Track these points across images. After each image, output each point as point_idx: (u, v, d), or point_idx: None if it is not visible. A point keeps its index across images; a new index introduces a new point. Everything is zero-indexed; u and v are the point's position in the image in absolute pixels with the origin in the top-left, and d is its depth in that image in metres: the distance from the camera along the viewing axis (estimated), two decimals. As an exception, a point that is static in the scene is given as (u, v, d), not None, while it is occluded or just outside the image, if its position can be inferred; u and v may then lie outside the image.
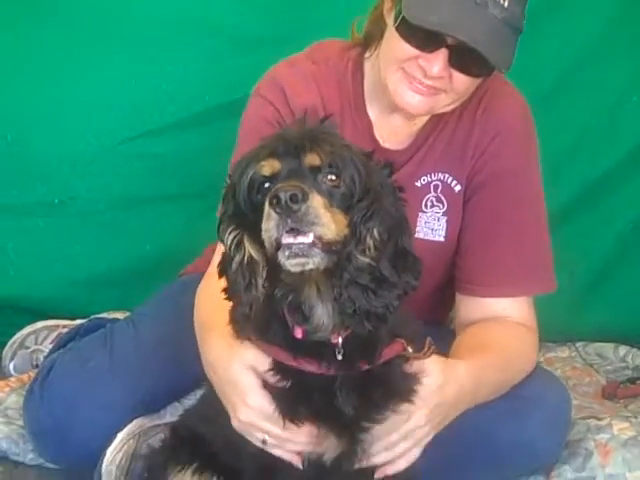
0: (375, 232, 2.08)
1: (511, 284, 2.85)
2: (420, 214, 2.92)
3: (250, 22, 3.83)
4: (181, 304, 2.83)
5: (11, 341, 3.68)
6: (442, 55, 2.59)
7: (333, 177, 2.06)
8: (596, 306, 4.12)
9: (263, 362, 2.25)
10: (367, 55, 2.91)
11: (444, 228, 2.93)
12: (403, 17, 2.59)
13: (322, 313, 2.12)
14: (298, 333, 2.15)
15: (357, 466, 2.27)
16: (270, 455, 2.28)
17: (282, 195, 1.94)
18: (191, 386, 3.03)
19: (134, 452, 2.91)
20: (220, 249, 2.77)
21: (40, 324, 3.71)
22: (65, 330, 3.57)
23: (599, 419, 3.15)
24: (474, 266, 2.89)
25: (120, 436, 2.90)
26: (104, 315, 3.59)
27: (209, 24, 3.83)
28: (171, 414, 3.03)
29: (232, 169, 2.19)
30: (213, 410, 2.49)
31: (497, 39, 2.58)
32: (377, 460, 2.30)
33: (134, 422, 2.95)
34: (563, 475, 2.95)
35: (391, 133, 2.90)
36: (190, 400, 3.06)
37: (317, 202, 1.98)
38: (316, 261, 2.00)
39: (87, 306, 3.79)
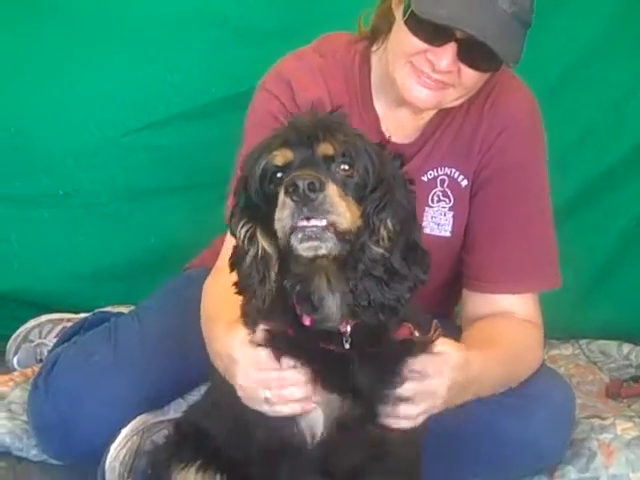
0: (389, 223, 2.08)
1: (518, 281, 2.85)
2: (426, 209, 2.91)
3: (257, 14, 3.81)
4: (186, 298, 2.83)
5: (15, 335, 3.67)
6: (451, 49, 2.58)
7: (346, 167, 2.06)
8: (600, 303, 4.11)
9: (262, 336, 2.24)
10: (374, 48, 2.90)
11: (450, 223, 2.92)
12: (412, 11, 2.58)
13: (331, 303, 2.12)
14: (306, 321, 2.15)
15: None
16: (279, 436, 2.26)
17: (300, 183, 1.93)
18: (196, 380, 3.03)
19: (138, 448, 2.91)
20: (228, 243, 2.77)
21: (44, 317, 3.70)
22: (69, 324, 3.57)
23: (603, 419, 3.15)
24: (481, 262, 2.88)
25: (124, 432, 2.90)
26: (109, 309, 3.59)
27: (215, 16, 3.81)
28: (175, 410, 3.03)
29: (244, 161, 2.17)
30: (219, 404, 2.50)
31: (506, 33, 2.56)
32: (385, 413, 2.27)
33: (138, 418, 2.95)
34: (567, 475, 2.95)
35: (398, 127, 2.88)
36: (194, 396, 3.05)
37: (333, 191, 1.98)
38: (329, 246, 1.99)
39: (91, 299, 3.78)
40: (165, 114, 3.86)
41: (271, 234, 2.06)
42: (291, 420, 2.25)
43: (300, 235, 1.97)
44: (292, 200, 1.95)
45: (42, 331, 3.65)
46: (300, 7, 3.79)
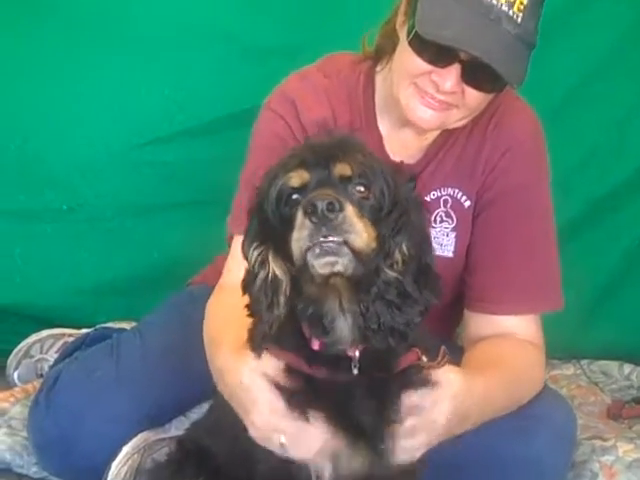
0: (404, 247, 2.08)
1: (521, 302, 2.84)
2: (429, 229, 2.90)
3: (262, 32, 3.84)
4: (188, 315, 2.84)
5: (16, 350, 3.67)
6: (455, 70, 2.58)
7: (362, 188, 2.05)
8: (601, 323, 4.11)
9: (274, 366, 2.23)
10: (378, 69, 2.90)
11: (453, 243, 2.91)
12: (416, 32, 2.58)
13: (343, 325, 2.11)
14: (315, 345, 2.14)
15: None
16: (285, 468, 2.25)
17: (319, 204, 1.92)
18: (198, 397, 3.02)
19: (139, 466, 2.90)
20: (231, 261, 2.79)
21: (45, 332, 3.70)
22: (71, 339, 3.57)
23: (604, 440, 3.15)
24: (484, 283, 2.87)
25: (125, 450, 2.89)
26: (110, 324, 3.59)
27: (220, 33, 3.85)
28: (176, 428, 3.03)
29: (259, 182, 2.16)
30: (221, 422, 2.48)
31: (511, 55, 2.57)
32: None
33: (139, 436, 2.94)
34: (568, 497, 2.96)
35: (401, 147, 2.89)
36: (196, 414, 3.04)
37: (351, 211, 1.97)
38: (345, 262, 1.97)
39: (93, 315, 3.79)
40: (169, 131, 3.89)
41: (284, 257, 2.06)
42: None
43: (317, 250, 1.96)
44: (311, 221, 1.94)
45: (43, 346, 3.65)
46: (305, 26, 3.82)
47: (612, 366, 3.98)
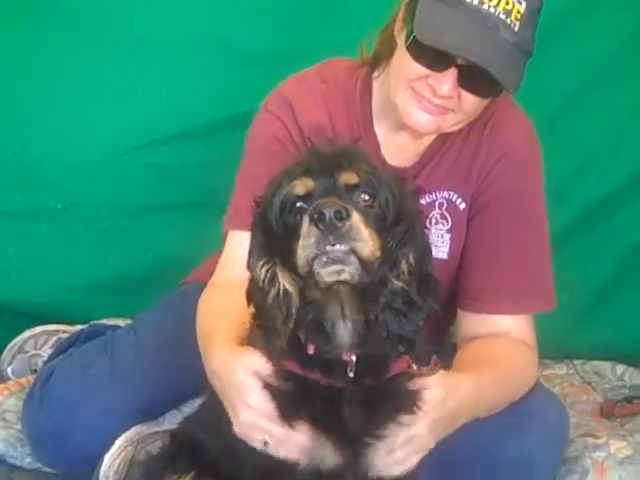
0: (411, 257, 2.11)
1: (514, 302, 2.86)
2: (424, 231, 2.93)
3: (259, 37, 3.85)
4: (182, 313, 2.84)
5: (10, 345, 3.67)
6: (452, 75, 2.61)
7: (367, 197, 2.07)
8: (595, 325, 4.12)
9: (266, 366, 2.25)
10: (376, 74, 2.93)
11: (447, 245, 2.93)
12: (414, 37, 2.61)
13: (344, 332, 2.13)
14: (310, 349, 2.15)
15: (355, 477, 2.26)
16: (270, 461, 2.27)
17: (327, 212, 1.93)
18: (190, 393, 3.03)
19: (132, 459, 2.91)
20: (223, 259, 2.81)
21: (39, 329, 3.71)
22: (65, 335, 3.59)
23: (596, 437, 3.17)
24: (478, 283, 2.90)
25: (118, 442, 2.91)
26: (104, 321, 3.59)
27: (217, 37, 3.86)
28: (170, 422, 3.04)
29: (263, 193, 2.16)
30: (214, 417, 2.48)
31: (507, 61, 2.60)
32: (376, 463, 2.27)
33: (132, 429, 2.95)
34: (560, 492, 2.97)
35: (398, 151, 2.91)
36: (189, 408, 3.05)
37: (357, 219, 1.99)
38: (352, 271, 1.99)
39: (87, 312, 3.78)
40: (166, 133, 3.90)
41: (290, 267, 2.07)
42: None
43: (324, 259, 1.97)
44: (318, 229, 1.95)
45: (37, 342, 3.66)
46: (302, 30, 3.83)
47: (605, 366, 3.99)
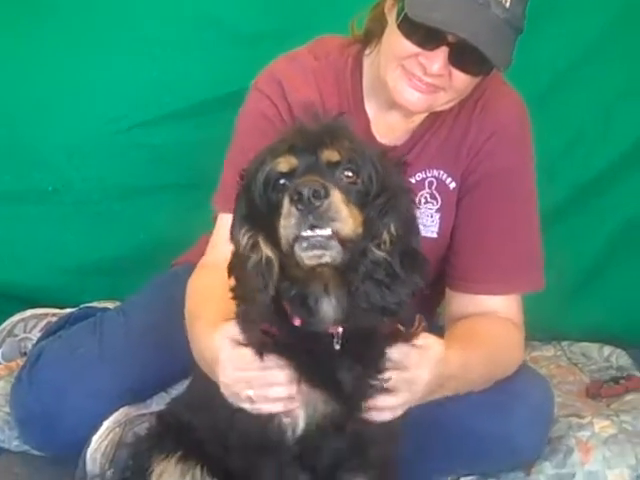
0: (392, 228, 2.10)
1: (503, 282, 2.86)
2: (414, 210, 2.92)
3: (250, 16, 3.83)
4: (172, 294, 2.84)
5: (0, 328, 3.67)
6: (442, 53, 2.59)
7: (350, 173, 2.07)
8: (583, 306, 4.10)
9: (242, 335, 2.25)
10: (367, 52, 2.91)
11: (437, 224, 2.92)
12: (405, 14, 2.59)
13: (327, 308, 2.13)
14: (296, 321, 2.15)
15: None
16: (256, 438, 2.27)
17: (305, 191, 1.93)
18: (179, 375, 3.04)
19: (119, 440, 2.92)
20: (214, 241, 2.79)
21: (29, 312, 3.70)
22: (54, 319, 3.57)
23: (581, 417, 3.17)
24: (467, 263, 2.89)
25: (106, 424, 2.92)
26: (94, 304, 3.58)
27: (208, 16, 3.83)
28: (157, 403, 3.04)
29: (246, 167, 2.17)
30: (200, 398, 2.50)
31: (498, 38, 2.58)
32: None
33: (120, 410, 2.96)
34: (543, 471, 2.98)
35: (388, 129, 2.90)
36: (177, 390, 3.06)
37: (337, 197, 1.98)
38: (333, 254, 2.00)
39: (78, 295, 3.77)
40: (157, 113, 3.88)
41: (273, 240, 2.07)
42: (272, 416, 2.25)
43: (305, 244, 1.98)
44: (297, 209, 1.95)
45: (27, 325, 3.64)
46: (293, 9, 3.80)
47: (592, 348, 3.98)
